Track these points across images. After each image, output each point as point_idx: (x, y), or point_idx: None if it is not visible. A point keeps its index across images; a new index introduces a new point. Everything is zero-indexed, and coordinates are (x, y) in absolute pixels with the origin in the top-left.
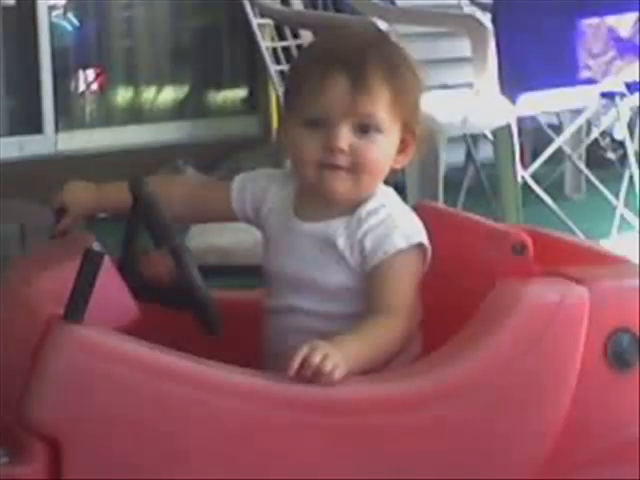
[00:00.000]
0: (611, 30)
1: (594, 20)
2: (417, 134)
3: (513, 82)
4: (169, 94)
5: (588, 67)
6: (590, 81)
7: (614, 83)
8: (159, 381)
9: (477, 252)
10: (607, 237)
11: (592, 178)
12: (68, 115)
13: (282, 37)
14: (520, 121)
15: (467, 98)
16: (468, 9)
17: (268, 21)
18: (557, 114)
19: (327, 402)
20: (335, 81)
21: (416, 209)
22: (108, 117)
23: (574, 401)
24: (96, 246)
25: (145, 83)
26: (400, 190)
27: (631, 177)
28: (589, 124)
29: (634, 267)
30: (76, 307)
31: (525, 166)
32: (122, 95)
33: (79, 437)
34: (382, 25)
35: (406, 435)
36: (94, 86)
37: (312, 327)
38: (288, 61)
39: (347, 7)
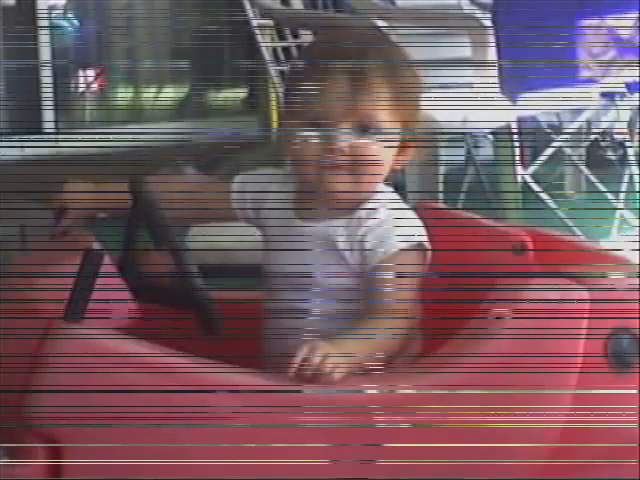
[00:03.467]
0: (611, 30)
1: (594, 20)
2: (417, 134)
3: (513, 82)
4: (169, 94)
5: (588, 67)
6: (590, 81)
7: (614, 83)
8: (159, 381)
9: (477, 252)
10: (607, 237)
11: (592, 178)
12: (68, 115)
13: (282, 37)
14: (520, 121)
15: (467, 98)
16: (468, 9)
17: (268, 21)
18: (557, 114)
19: (327, 402)
20: (335, 81)
21: (416, 209)
22: (108, 117)
23: (574, 401)
24: (96, 246)
25: (145, 83)
26: (400, 190)
27: (631, 177)
28: (589, 124)
29: (634, 267)
30: (76, 307)
31: (525, 166)
32: (122, 95)
33: (79, 437)
34: (382, 25)
35: (406, 435)
36: (94, 86)
37: (312, 327)
38: (288, 61)
39: (347, 7)
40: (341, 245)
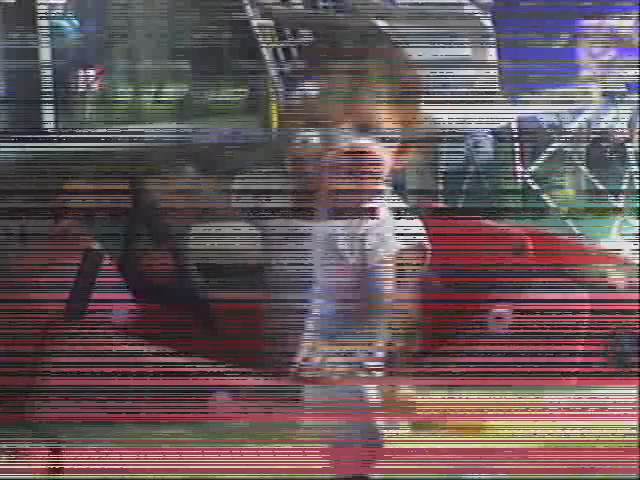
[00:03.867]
0: (611, 30)
1: (594, 20)
2: (417, 134)
3: (513, 82)
4: (169, 94)
5: (588, 67)
6: (590, 81)
7: (614, 83)
8: (159, 381)
9: (477, 252)
10: (607, 237)
11: (592, 178)
12: (68, 115)
13: (282, 37)
14: (520, 121)
15: (467, 98)
16: (468, 9)
17: (268, 21)
18: (557, 114)
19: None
20: (335, 81)
21: (416, 209)
22: (108, 117)
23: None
24: (96, 246)
25: (145, 83)
26: (400, 190)
27: (631, 177)
28: (589, 124)
29: (634, 267)
30: (76, 307)
31: (525, 166)
32: (122, 95)
33: (79, 437)
34: (382, 25)
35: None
36: (94, 86)
37: (312, 327)
38: (288, 61)
39: (347, 7)
40: (341, 245)
